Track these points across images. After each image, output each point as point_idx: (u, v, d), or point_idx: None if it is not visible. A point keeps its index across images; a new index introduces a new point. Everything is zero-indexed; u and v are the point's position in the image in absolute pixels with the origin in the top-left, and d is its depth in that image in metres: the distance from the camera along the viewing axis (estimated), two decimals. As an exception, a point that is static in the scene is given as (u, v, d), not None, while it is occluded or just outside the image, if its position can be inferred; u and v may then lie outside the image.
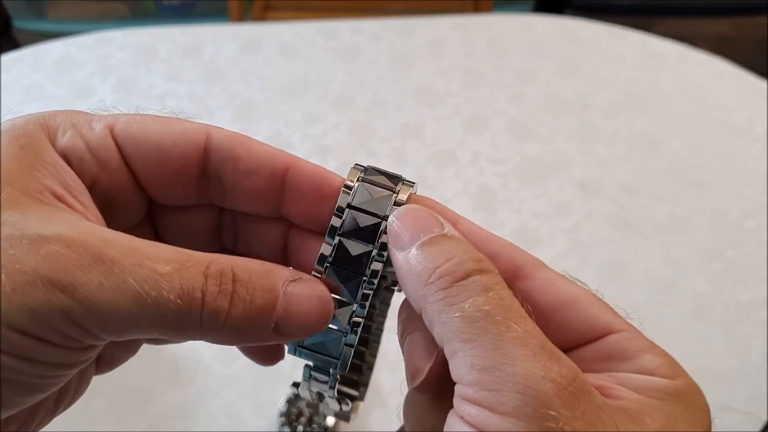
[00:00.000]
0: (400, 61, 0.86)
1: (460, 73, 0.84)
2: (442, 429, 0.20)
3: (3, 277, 0.18)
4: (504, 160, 0.75)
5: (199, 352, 0.59)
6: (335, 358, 0.23)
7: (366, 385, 0.28)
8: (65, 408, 0.23)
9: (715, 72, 0.85)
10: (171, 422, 0.55)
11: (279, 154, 0.25)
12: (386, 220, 0.23)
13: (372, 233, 0.23)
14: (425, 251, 0.21)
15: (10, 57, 0.85)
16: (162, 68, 0.84)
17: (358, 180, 0.24)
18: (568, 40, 0.89)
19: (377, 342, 0.28)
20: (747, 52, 1.53)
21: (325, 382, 0.25)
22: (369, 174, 0.24)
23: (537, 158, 0.75)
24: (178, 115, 0.25)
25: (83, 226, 0.20)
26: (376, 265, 0.23)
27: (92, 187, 0.23)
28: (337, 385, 0.25)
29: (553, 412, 0.18)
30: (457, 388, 0.20)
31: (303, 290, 0.22)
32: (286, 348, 0.25)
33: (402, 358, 0.24)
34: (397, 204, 0.23)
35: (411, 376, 0.23)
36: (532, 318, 0.21)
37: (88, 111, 0.24)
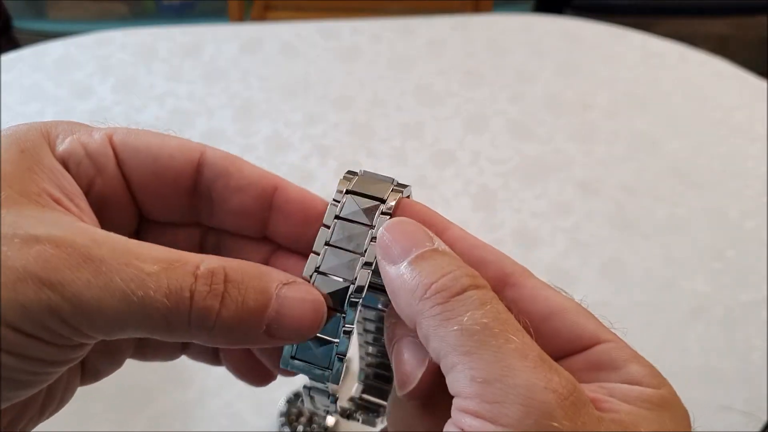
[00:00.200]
0: (400, 61, 0.86)
1: (460, 73, 0.84)
2: None
3: None
4: (504, 160, 0.75)
5: (199, 352, 0.59)
6: (327, 368, 0.23)
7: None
8: (50, 414, 0.24)
9: (715, 72, 0.85)
10: (171, 422, 0.55)
11: (268, 175, 0.25)
12: (363, 255, 0.23)
13: (348, 272, 0.23)
14: (418, 266, 0.21)
15: (10, 57, 0.85)
16: (162, 68, 0.84)
17: (345, 192, 0.24)
18: (568, 40, 0.89)
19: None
20: (747, 52, 1.53)
21: (326, 396, 0.25)
22: (357, 184, 0.24)
23: (537, 158, 0.75)
24: (176, 133, 0.25)
25: (75, 227, 0.20)
26: (364, 274, 0.23)
27: (88, 192, 0.24)
28: (362, 395, 0.25)
29: (555, 423, 0.18)
30: (455, 401, 0.19)
31: (296, 293, 0.22)
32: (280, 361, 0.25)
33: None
34: (386, 213, 0.24)
35: (402, 382, 0.22)
36: (530, 331, 0.21)
37: (89, 124, 0.25)
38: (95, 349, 0.22)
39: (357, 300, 0.23)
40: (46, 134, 0.23)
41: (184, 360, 0.62)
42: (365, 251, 0.23)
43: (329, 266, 0.24)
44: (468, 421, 0.19)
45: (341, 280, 0.23)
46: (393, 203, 0.24)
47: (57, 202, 0.21)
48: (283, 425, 0.53)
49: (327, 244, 0.24)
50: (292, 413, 0.54)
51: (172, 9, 1.64)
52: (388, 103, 0.81)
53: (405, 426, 0.23)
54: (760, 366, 0.59)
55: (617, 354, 0.22)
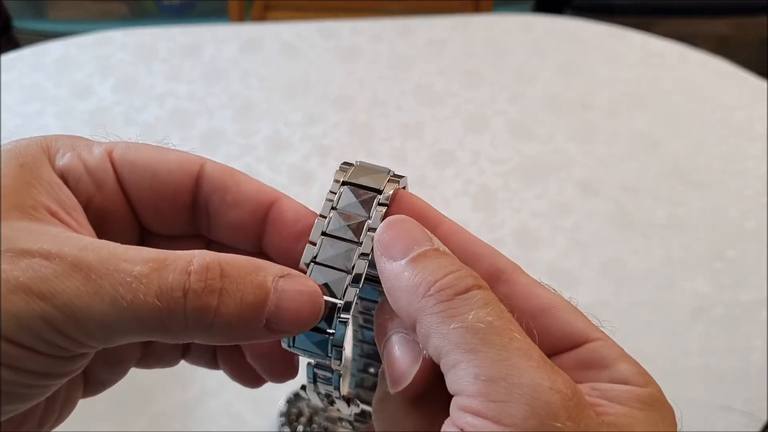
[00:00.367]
0: (400, 61, 0.86)
1: (460, 73, 0.84)
2: None
3: None
4: (504, 160, 0.75)
5: (199, 352, 0.59)
6: (326, 356, 0.23)
7: None
8: (50, 428, 0.24)
9: (715, 72, 0.85)
10: (171, 422, 0.55)
11: (266, 189, 0.25)
12: (360, 244, 0.23)
13: (356, 232, 0.23)
14: (420, 264, 0.21)
15: (10, 57, 0.85)
16: (162, 68, 0.84)
17: (342, 183, 0.24)
18: (568, 40, 0.89)
19: None
20: (747, 52, 1.53)
21: (330, 384, 0.25)
22: (353, 175, 0.24)
23: (537, 158, 0.75)
24: (176, 146, 0.25)
25: (63, 237, 0.20)
26: (361, 264, 0.23)
27: (87, 207, 0.24)
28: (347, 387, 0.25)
29: (559, 424, 0.18)
30: (456, 399, 0.19)
31: (293, 286, 0.22)
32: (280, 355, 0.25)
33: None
34: (383, 204, 0.24)
35: (395, 380, 0.22)
36: (532, 334, 0.21)
37: (89, 138, 0.25)
38: (98, 360, 0.22)
39: (354, 290, 0.23)
40: (46, 148, 0.23)
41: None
42: (362, 241, 0.23)
43: (326, 256, 0.23)
44: (469, 420, 0.19)
45: (338, 270, 0.23)
46: (390, 193, 0.24)
47: (54, 215, 0.21)
48: (283, 425, 0.53)
49: (323, 234, 0.24)
50: (292, 413, 0.54)
51: (172, 9, 1.64)
52: (388, 103, 0.81)
53: (392, 423, 0.23)
54: (760, 366, 0.59)
55: (607, 352, 0.22)
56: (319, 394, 0.25)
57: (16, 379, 0.19)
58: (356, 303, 0.23)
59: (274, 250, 0.26)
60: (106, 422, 0.55)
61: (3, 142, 0.23)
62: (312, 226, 0.24)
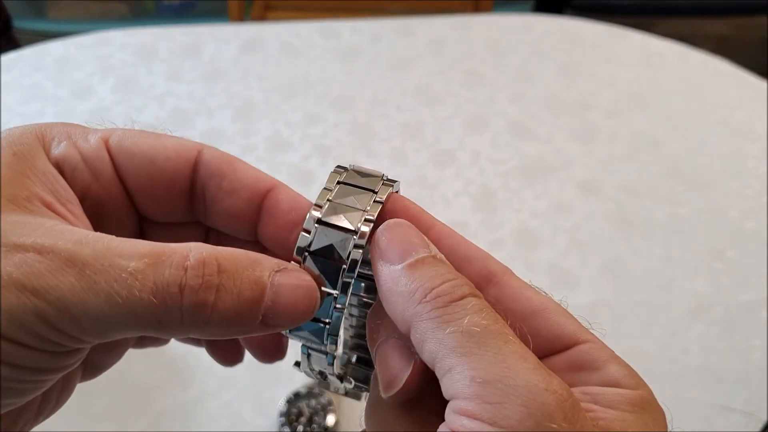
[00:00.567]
0: (400, 61, 0.86)
1: (460, 73, 0.84)
2: None
3: None
4: (504, 160, 0.75)
5: (199, 352, 0.59)
6: (322, 344, 0.23)
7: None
8: (47, 416, 0.23)
9: (715, 72, 0.85)
10: (171, 422, 0.55)
11: (263, 177, 0.25)
12: (356, 235, 0.23)
13: (341, 252, 0.23)
14: (418, 270, 0.21)
15: (10, 57, 0.85)
16: (162, 68, 0.84)
17: (336, 183, 0.24)
18: (569, 40, 0.89)
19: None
20: (747, 52, 1.53)
21: (323, 361, 0.25)
22: (348, 178, 0.24)
23: (537, 158, 0.75)
24: (172, 132, 0.25)
25: (57, 231, 0.20)
26: (356, 254, 0.23)
27: (84, 197, 0.23)
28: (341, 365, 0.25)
29: (554, 425, 0.18)
30: (451, 403, 0.19)
31: (289, 280, 0.22)
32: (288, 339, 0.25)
33: None
34: (378, 201, 0.24)
35: (387, 384, 0.22)
36: (528, 340, 0.21)
37: (84, 124, 0.24)
38: (96, 346, 0.22)
39: (350, 280, 0.23)
40: (41, 137, 0.23)
41: (184, 360, 0.62)
42: (358, 231, 0.23)
43: (321, 245, 0.23)
44: (465, 423, 0.18)
45: (334, 259, 0.23)
46: (384, 197, 0.24)
47: (48, 206, 0.21)
48: (283, 425, 0.53)
49: (318, 222, 0.23)
50: (292, 413, 0.54)
51: (172, 9, 1.64)
52: (388, 103, 0.81)
53: (384, 427, 0.23)
54: (760, 366, 0.59)
55: (597, 354, 0.22)
56: (312, 370, 0.25)
57: (11, 375, 0.19)
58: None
59: (269, 238, 0.25)
60: (106, 422, 0.55)
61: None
62: (305, 214, 0.24)
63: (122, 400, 0.56)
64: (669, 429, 0.21)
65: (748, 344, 0.60)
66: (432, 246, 0.23)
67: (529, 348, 0.20)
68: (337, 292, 0.23)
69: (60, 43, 0.87)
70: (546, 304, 0.23)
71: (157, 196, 0.24)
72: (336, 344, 0.23)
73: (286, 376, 0.57)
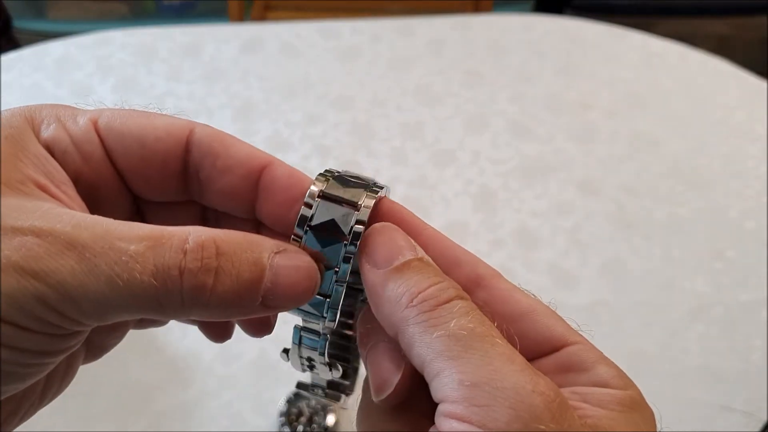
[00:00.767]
0: (400, 61, 0.86)
1: (460, 73, 0.84)
2: None
3: None
4: (504, 160, 0.75)
5: (199, 352, 0.59)
6: (322, 316, 0.23)
7: (353, 383, 0.28)
8: (51, 399, 0.23)
9: (715, 72, 0.85)
10: (171, 422, 0.55)
11: (257, 153, 0.24)
12: (358, 209, 0.23)
13: (342, 228, 0.23)
14: (404, 275, 0.21)
15: (10, 57, 0.85)
16: (162, 68, 0.84)
17: (322, 182, 0.24)
18: (569, 40, 0.89)
19: (356, 367, 0.28)
20: (747, 52, 1.53)
21: (315, 349, 0.25)
22: (330, 188, 0.24)
23: (537, 158, 0.75)
24: (163, 110, 0.25)
25: (55, 214, 0.20)
26: (358, 228, 0.23)
27: (77, 181, 0.23)
28: (327, 356, 0.25)
29: (542, 426, 0.18)
30: (440, 407, 0.19)
31: (289, 261, 0.22)
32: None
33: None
34: (373, 191, 0.24)
35: (377, 388, 0.22)
36: (514, 341, 0.21)
37: (74, 106, 0.24)
38: (98, 327, 0.22)
39: (351, 255, 0.23)
40: (30, 119, 0.22)
41: (184, 360, 0.62)
42: (360, 206, 0.23)
43: (322, 219, 0.23)
44: (454, 426, 0.19)
45: (335, 234, 0.23)
46: (365, 216, 0.23)
47: (43, 189, 0.21)
48: (283, 425, 0.53)
49: (320, 196, 0.23)
50: (292, 413, 0.54)
51: (172, 9, 1.64)
52: (388, 103, 0.81)
53: (376, 431, 0.23)
54: (760, 366, 0.59)
55: (586, 355, 0.22)
56: (301, 358, 0.25)
57: (12, 358, 0.19)
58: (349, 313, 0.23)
59: (268, 215, 0.25)
60: (106, 422, 0.55)
61: None
62: (306, 190, 0.24)
63: (122, 400, 0.56)
64: (658, 428, 0.21)
65: (748, 344, 0.60)
66: (419, 249, 0.23)
67: (517, 349, 0.20)
68: (338, 267, 0.23)
69: (60, 43, 0.87)
70: (534, 306, 0.23)
71: (149, 176, 0.24)
72: (335, 321, 0.23)
73: (286, 376, 0.57)
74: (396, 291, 0.21)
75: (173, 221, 0.26)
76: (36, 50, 0.86)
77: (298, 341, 0.25)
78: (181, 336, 0.60)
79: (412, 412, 0.22)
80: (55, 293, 0.18)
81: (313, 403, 0.55)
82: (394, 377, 0.22)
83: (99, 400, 0.56)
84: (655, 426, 0.21)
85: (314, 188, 0.23)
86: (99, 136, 0.23)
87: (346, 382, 0.28)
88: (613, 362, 0.22)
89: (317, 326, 0.24)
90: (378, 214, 0.24)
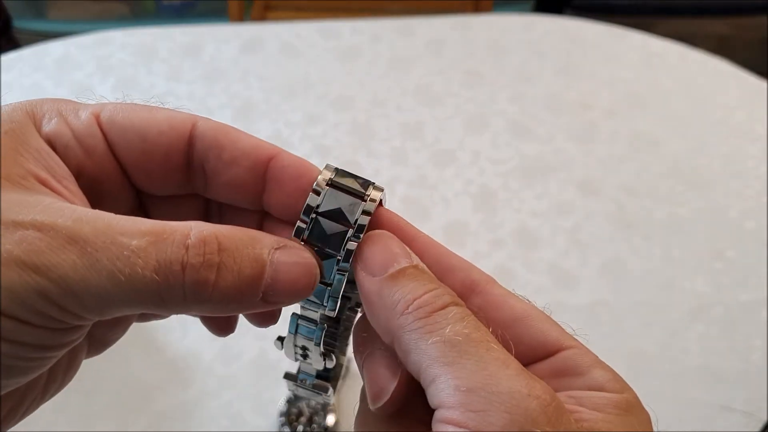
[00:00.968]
0: (400, 61, 0.86)
1: (460, 73, 0.84)
2: None
3: None
4: (504, 160, 0.75)
5: (199, 352, 0.59)
6: (322, 305, 0.24)
7: (336, 379, 0.28)
8: (53, 394, 0.23)
9: (715, 72, 0.85)
10: (171, 422, 0.55)
11: (263, 144, 0.25)
12: (365, 200, 0.23)
13: (348, 217, 0.23)
14: (400, 282, 0.22)
15: (10, 57, 0.85)
16: (162, 68, 0.84)
17: (330, 172, 0.24)
18: (569, 40, 0.89)
19: (341, 364, 0.28)
20: (747, 52, 1.53)
21: (311, 339, 0.25)
22: (339, 175, 0.24)
23: (537, 158, 0.75)
24: (164, 105, 0.25)
25: (56, 208, 0.20)
26: (351, 245, 0.23)
27: (79, 175, 0.23)
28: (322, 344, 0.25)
29: (539, 430, 0.18)
30: (437, 413, 0.19)
31: (289, 257, 0.22)
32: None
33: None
34: (377, 189, 0.24)
35: (374, 395, 0.22)
36: (510, 346, 0.21)
37: (75, 101, 0.24)
38: (100, 321, 0.22)
39: (355, 243, 0.23)
40: (32, 114, 0.22)
41: (184, 360, 0.62)
42: (368, 196, 0.23)
43: (329, 207, 0.23)
44: (450, 431, 0.19)
45: (341, 223, 0.23)
46: (378, 195, 0.24)
47: (44, 183, 0.21)
48: (283, 425, 0.53)
49: (329, 184, 0.23)
50: (292, 413, 0.54)
51: (172, 9, 1.64)
52: (388, 103, 0.81)
53: None
54: (760, 366, 0.59)
55: (581, 360, 0.22)
56: (295, 346, 0.26)
57: (14, 352, 0.19)
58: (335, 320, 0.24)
59: (276, 205, 0.25)
60: (106, 421, 0.55)
61: None
62: (314, 180, 0.24)
63: (122, 400, 0.56)
64: (655, 431, 0.21)
65: (748, 344, 0.60)
66: (414, 256, 0.23)
67: (512, 354, 0.20)
68: (341, 254, 0.23)
69: (60, 43, 0.87)
70: (529, 311, 0.23)
71: (152, 170, 0.24)
72: (335, 309, 0.24)
73: (286, 376, 0.57)
74: (391, 298, 0.21)
75: (175, 215, 0.26)
76: (36, 50, 0.86)
77: (295, 330, 0.25)
78: (181, 336, 0.60)
79: (409, 419, 0.22)
80: (57, 288, 0.18)
81: (313, 403, 0.55)
82: (390, 385, 0.22)
83: (99, 400, 0.56)
84: (651, 429, 0.21)
85: (323, 177, 0.24)
86: (101, 129, 0.23)
87: (331, 373, 0.28)
88: (608, 366, 0.22)
89: (315, 315, 0.24)
90: (372, 221, 0.24)
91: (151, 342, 0.59)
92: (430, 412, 0.20)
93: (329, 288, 0.23)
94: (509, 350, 0.21)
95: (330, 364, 0.26)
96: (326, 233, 0.23)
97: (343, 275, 0.23)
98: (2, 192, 0.20)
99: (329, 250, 0.23)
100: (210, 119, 0.25)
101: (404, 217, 0.25)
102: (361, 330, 0.24)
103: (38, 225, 0.19)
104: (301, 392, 0.28)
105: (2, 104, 0.23)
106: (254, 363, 0.58)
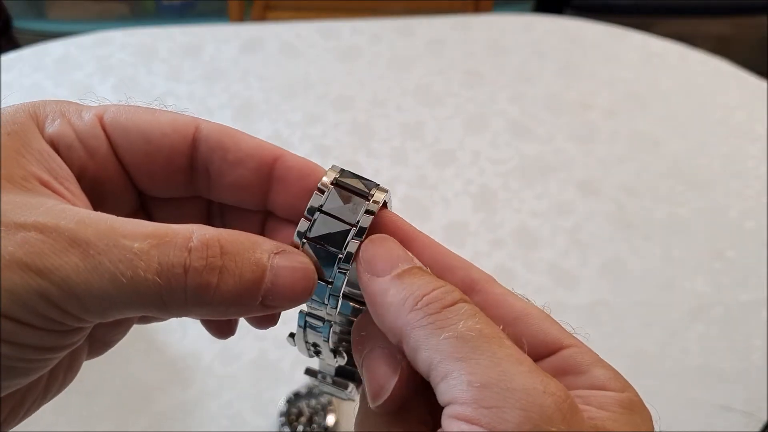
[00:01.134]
0: (400, 61, 0.86)
1: (460, 73, 0.84)
2: None
3: None
4: (504, 160, 0.75)
5: (199, 352, 0.59)
6: (323, 304, 0.24)
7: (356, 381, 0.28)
8: (54, 395, 0.23)
9: (715, 72, 0.85)
10: (171, 422, 0.55)
11: (267, 146, 0.25)
12: (368, 200, 0.23)
13: (351, 216, 0.23)
14: (407, 280, 0.22)
15: (10, 57, 0.85)
16: (162, 68, 0.84)
17: (336, 172, 0.25)
18: (569, 40, 0.89)
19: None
20: (747, 52, 1.53)
21: (320, 335, 0.25)
22: (344, 176, 0.24)
23: (537, 158, 0.75)
24: (167, 107, 0.25)
25: (58, 210, 0.20)
26: (353, 245, 0.23)
27: (81, 176, 0.23)
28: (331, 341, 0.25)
29: (553, 428, 0.18)
30: (448, 409, 0.19)
31: (288, 262, 0.22)
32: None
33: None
34: (382, 191, 0.24)
35: (374, 394, 0.22)
36: (522, 344, 0.21)
37: (78, 102, 0.24)
38: (101, 323, 0.22)
39: (357, 242, 0.23)
40: (34, 115, 0.22)
41: (184, 360, 0.62)
42: (371, 197, 0.23)
43: (333, 206, 0.24)
44: (463, 428, 0.18)
45: (343, 222, 0.23)
46: (382, 196, 0.24)
47: (46, 185, 0.21)
48: (283, 425, 0.53)
49: (334, 184, 0.24)
50: (292, 413, 0.54)
51: (172, 9, 1.64)
52: (388, 103, 0.81)
53: None
54: (760, 366, 0.59)
55: (581, 358, 0.22)
56: (306, 343, 0.26)
57: (15, 354, 0.19)
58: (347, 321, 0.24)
59: (283, 205, 0.25)
60: (106, 422, 0.55)
61: None
62: (320, 180, 0.24)
63: (123, 400, 0.56)
64: (656, 429, 0.21)
65: (748, 344, 0.60)
66: (415, 259, 0.23)
67: (524, 351, 0.20)
68: (343, 253, 0.23)
69: (60, 43, 0.87)
70: (528, 310, 0.23)
71: (154, 172, 0.24)
72: (337, 307, 0.24)
73: (286, 376, 0.57)
74: (399, 296, 0.21)
75: (177, 216, 0.26)
76: (36, 50, 0.86)
77: (303, 325, 0.25)
78: (181, 336, 0.60)
79: (410, 419, 0.22)
80: (59, 290, 0.18)
81: (313, 402, 0.55)
82: (390, 382, 0.22)
83: (99, 400, 0.56)
84: (653, 427, 0.21)
85: (328, 177, 0.24)
86: (104, 131, 0.23)
87: (354, 369, 0.28)
88: (609, 364, 0.22)
89: (320, 312, 0.24)
90: (374, 221, 0.24)
91: (151, 342, 0.59)
92: (431, 411, 0.20)
93: (330, 286, 0.23)
94: (520, 347, 0.20)
95: (341, 361, 0.26)
96: (329, 232, 0.23)
97: (344, 274, 0.23)
98: (4, 193, 0.20)
99: (331, 249, 0.23)
100: (212, 122, 0.25)
101: (404, 217, 0.25)
102: (360, 329, 0.24)
103: (40, 227, 0.19)
104: (325, 388, 0.28)
105: (4, 105, 0.23)
106: (254, 363, 0.58)
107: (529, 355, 0.22)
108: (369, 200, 0.23)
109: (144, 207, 0.26)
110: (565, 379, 0.22)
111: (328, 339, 0.25)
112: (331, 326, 0.25)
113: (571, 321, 0.24)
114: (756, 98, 0.81)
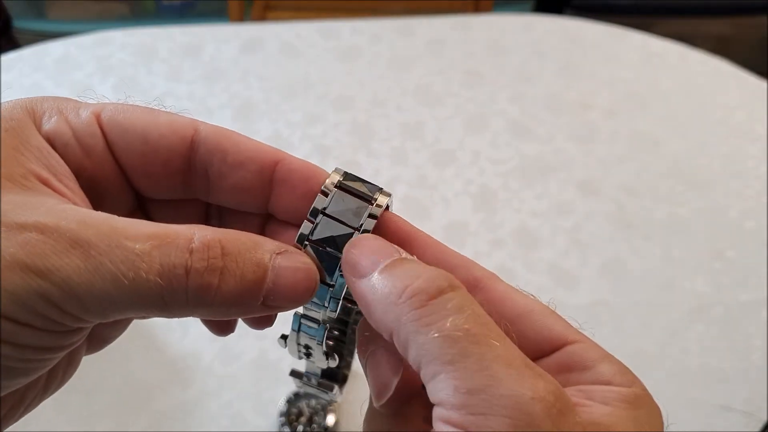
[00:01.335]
0: (400, 61, 0.86)
1: (460, 73, 0.84)
2: None
3: None
4: (504, 160, 0.75)
5: (199, 352, 0.59)
6: (323, 306, 0.24)
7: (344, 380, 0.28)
8: (54, 391, 0.23)
9: (715, 72, 0.85)
10: (171, 422, 0.55)
11: (267, 149, 0.25)
12: (372, 204, 0.23)
13: (354, 219, 0.23)
14: (390, 273, 0.21)
15: (10, 57, 0.85)
16: (162, 68, 0.84)
17: (339, 175, 0.25)
18: (569, 40, 0.89)
19: (348, 368, 0.28)
20: (747, 52, 1.53)
21: (313, 338, 0.25)
22: (348, 179, 0.24)
23: (537, 158, 0.75)
24: (166, 107, 0.25)
25: (59, 210, 0.19)
26: (369, 224, 0.23)
27: (78, 175, 0.23)
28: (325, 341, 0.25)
29: None
30: (436, 410, 0.19)
31: (290, 263, 0.22)
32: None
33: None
34: (385, 194, 0.24)
35: (378, 393, 0.22)
36: (511, 335, 0.20)
37: (76, 99, 0.24)
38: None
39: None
40: (32, 112, 0.22)
41: (184, 360, 0.62)
42: (375, 200, 0.23)
43: (336, 209, 0.24)
44: (450, 431, 0.18)
45: (346, 225, 0.23)
46: (385, 200, 0.24)
47: (45, 183, 0.21)
48: (283, 425, 0.53)
49: (337, 187, 0.24)
50: (292, 413, 0.54)
51: (172, 9, 1.64)
52: (388, 103, 0.81)
53: None
54: (760, 366, 0.59)
55: (587, 354, 0.22)
56: (299, 345, 0.26)
57: (15, 354, 0.19)
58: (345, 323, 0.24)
59: (285, 208, 0.25)
60: (106, 421, 0.55)
61: None
62: (322, 183, 0.24)
63: (122, 400, 0.56)
64: (665, 425, 0.21)
65: (748, 344, 0.60)
66: (401, 250, 0.22)
67: (515, 344, 0.20)
68: (334, 283, 0.23)
69: (60, 43, 0.87)
70: (532, 306, 0.23)
71: (152, 173, 0.24)
72: (337, 310, 0.24)
73: (286, 376, 0.57)
74: (383, 290, 0.21)
75: (175, 218, 0.26)
76: (36, 50, 0.86)
77: (297, 328, 0.25)
78: (181, 336, 0.60)
79: (415, 417, 0.22)
80: (60, 291, 0.18)
81: (313, 402, 0.55)
82: (392, 380, 0.22)
83: (99, 399, 0.56)
84: (661, 422, 0.20)
85: (332, 179, 0.24)
86: (102, 129, 0.23)
87: (338, 371, 0.28)
88: (616, 359, 0.22)
89: (317, 315, 0.24)
90: (377, 224, 0.24)
91: (151, 342, 0.59)
92: None
93: (331, 289, 0.23)
94: (512, 341, 0.20)
95: (333, 364, 0.26)
96: (332, 235, 0.23)
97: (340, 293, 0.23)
98: (4, 193, 0.19)
99: (333, 252, 0.23)
100: (211, 124, 0.25)
101: (404, 218, 0.25)
102: (364, 330, 0.24)
103: (41, 227, 0.19)
104: (308, 390, 0.28)
105: (2, 103, 0.23)
106: (254, 363, 0.58)
107: (533, 351, 0.22)
108: (372, 204, 0.23)
109: (141, 207, 0.26)
110: (570, 375, 0.22)
111: (323, 341, 0.25)
112: (326, 329, 0.25)
113: (570, 321, 0.24)
114: (756, 98, 0.81)
